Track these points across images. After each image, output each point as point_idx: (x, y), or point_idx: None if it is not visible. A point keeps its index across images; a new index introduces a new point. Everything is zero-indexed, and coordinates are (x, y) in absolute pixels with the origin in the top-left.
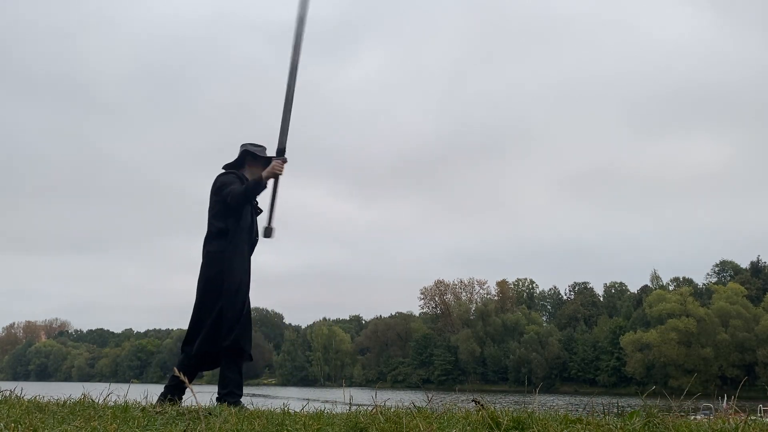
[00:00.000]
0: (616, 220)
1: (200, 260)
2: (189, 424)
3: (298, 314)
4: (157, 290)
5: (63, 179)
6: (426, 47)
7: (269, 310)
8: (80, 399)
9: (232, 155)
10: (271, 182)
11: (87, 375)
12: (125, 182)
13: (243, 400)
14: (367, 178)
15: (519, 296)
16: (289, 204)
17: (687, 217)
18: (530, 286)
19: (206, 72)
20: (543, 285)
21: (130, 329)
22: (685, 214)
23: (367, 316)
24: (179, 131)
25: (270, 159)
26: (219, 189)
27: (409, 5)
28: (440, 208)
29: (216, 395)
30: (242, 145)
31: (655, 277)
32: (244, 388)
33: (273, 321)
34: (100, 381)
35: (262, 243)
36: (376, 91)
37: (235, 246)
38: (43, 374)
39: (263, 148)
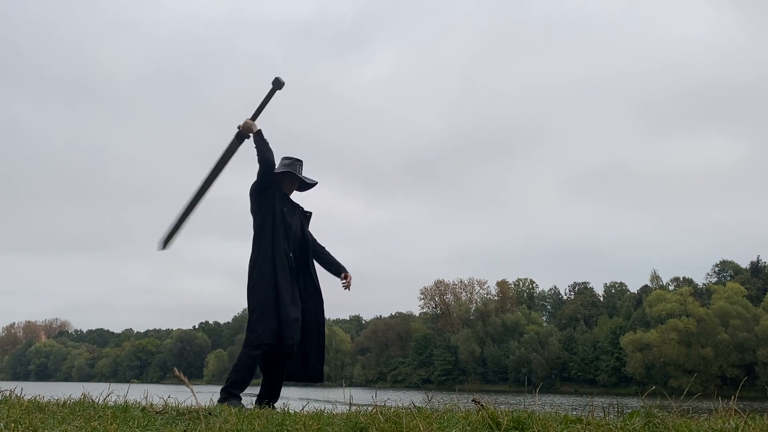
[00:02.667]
0: (617, 220)
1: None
2: (189, 424)
3: None
4: (157, 290)
5: (67, 178)
6: (439, 46)
7: None
8: (80, 399)
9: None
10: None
11: (87, 375)
12: (130, 181)
13: (243, 400)
14: (377, 176)
15: (519, 296)
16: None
17: (687, 217)
18: (530, 286)
19: (217, 71)
20: (543, 285)
21: (130, 329)
22: (686, 214)
23: (367, 316)
24: (188, 130)
25: (306, 181)
26: None
27: (423, 4)
28: (446, 208)
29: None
30: (283, 158)
31: (655, 277)
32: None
33: None
34: (100, 381)
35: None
36: (388, 89)
37: None
38: (43, 374)
39: (299, 163)
